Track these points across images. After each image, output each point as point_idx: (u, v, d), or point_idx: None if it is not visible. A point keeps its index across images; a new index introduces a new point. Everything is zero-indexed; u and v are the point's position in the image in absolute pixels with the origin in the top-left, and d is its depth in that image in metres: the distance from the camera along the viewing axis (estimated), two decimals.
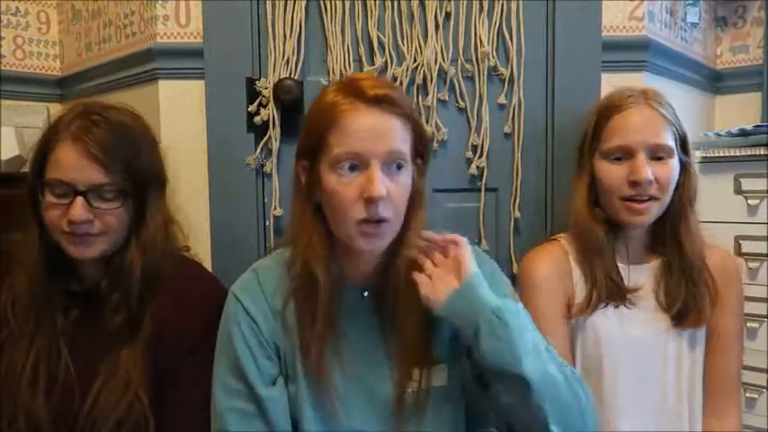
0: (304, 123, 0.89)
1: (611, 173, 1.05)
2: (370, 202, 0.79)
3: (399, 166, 0.83)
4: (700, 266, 1.07)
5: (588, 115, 1.12)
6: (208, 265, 1.19)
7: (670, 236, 1.08)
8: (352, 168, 0.81)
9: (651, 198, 1.03)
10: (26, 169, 0.99)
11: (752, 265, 1.33)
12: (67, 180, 0.90)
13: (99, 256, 0.94)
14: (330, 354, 0.87)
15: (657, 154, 1.03)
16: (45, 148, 0.93)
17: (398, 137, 0.82)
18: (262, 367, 0.86)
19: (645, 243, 1.12)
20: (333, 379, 0.87)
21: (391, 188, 0.81)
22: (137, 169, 0.95)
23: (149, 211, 0.98)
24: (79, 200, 0.90)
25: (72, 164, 0.90)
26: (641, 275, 1.10)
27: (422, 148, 0.89)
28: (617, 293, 1.07)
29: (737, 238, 1.34)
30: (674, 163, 1.05)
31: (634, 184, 1.02)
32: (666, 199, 1.05)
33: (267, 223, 1.26)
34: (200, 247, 1.19)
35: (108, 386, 0.92)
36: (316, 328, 0.85)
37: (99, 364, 0.94)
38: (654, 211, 1.04)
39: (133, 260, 0.94)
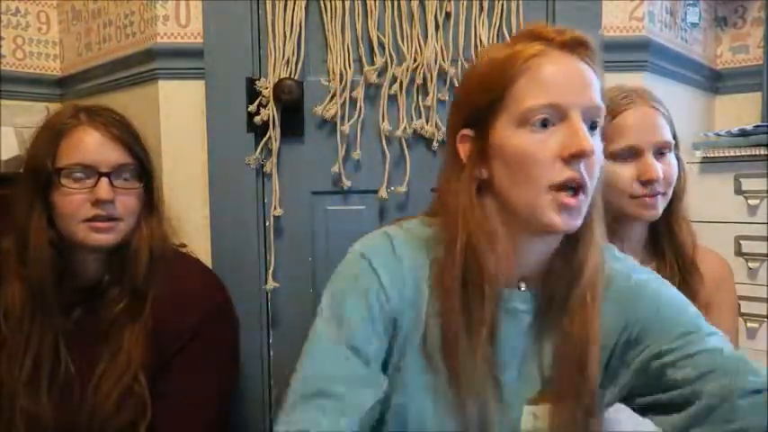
0: (468, 85, 0.77)
1: (620, 174, 1.05)
2: (576, 157, 0.66)
3: (594, 126, 0.70)
4: (692, 255, 1.08)
5: None
6: (207, 264, 1.18)
7: (664, 226, 1.09)
8: (544, 124, 0.68)
9: (658, 193, 1.04)
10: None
11: (752, 265, 1.33)
12: (90, 162, 0.92)
13: (116, 243, 0.95)
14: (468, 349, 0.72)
15: (661, 150, 1.05)
16: (56, 138, 0.93)
17: (596, 89, 0.70)
18: (377, 351, 0.72)
19: (641, 247, 1.12)
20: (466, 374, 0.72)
21: (595, 147, 0.68)
22: (146, 155, 0.98)
23: (155, 200, 1.00)
24: (104, 180, 0.92)
25: (93, 146, 0.92)
26: None
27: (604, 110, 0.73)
28: None
29: (737, 238, 1.34)
30: (674, 157, 1.06)
31: (646, 182, 1.03)
32: (670, 192, 1.06)
33: (267, 223, 1.26)
34: (201, 247, 1.20)
35: (110, 367, 0.93)
36: (471, 327, 0.71)
37: (101, 353, 0.95)
38: (662, 205, 1.05)
39: (140, 248, 0.96)
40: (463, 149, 0.74)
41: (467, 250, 0.71)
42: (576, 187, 0.68)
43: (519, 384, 0.76)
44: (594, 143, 0.68)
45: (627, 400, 0.78)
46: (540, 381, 0.76)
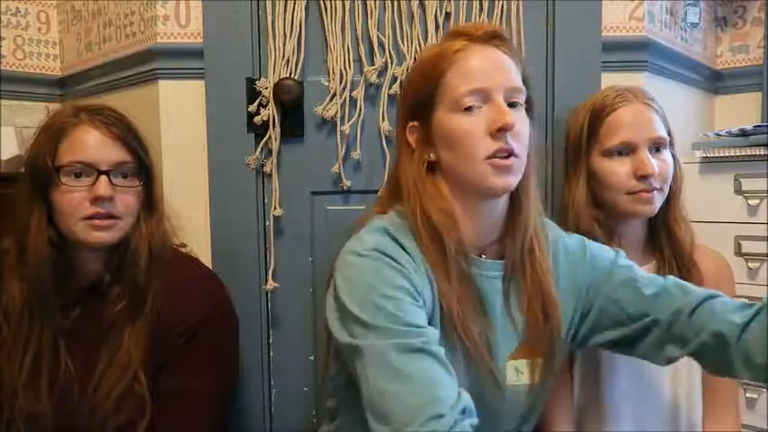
0: (409, 83, 0.91)
1: (616, 169, 1.05)
2: (501, 130, 0.79)
3: (514, 104, 0.83)
4: (690, 252, 1.09)
5: (575, 119, 1.12)
6: (207, 264, 1.18)
7: (662, 224, 1.09)
8: (473, 108, 0.81)
9: (654, 189, 1.04)
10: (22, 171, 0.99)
11: (752, 265, 1.33)
12: (89, 161, 0.92)
13: (115, 242, 0.95)
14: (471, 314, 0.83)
15: (656, 146, 1.05)
16: (56, 137, 0.93)
17: (515, 73, 0.84)
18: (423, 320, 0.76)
19: (640, 246, 1.12)
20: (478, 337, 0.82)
21: (516, 120, 0.81)
22: (146, 154, 0.99)
23: (155, 199, 1.00)
24: (103, 177, 0.92)
25: (94, 145, 0.93)
26: None
27: (530, 94, 0.87)
28: None
29: (737, 238, 1.34)
30: (669, 154, 1.06)
31: (642, 178, 1.03)
32: (666, 189, 1.06)
33: (267, 223, 1.26)
34: (201, 247, 1.20)
35: (110, 367, 0.93)
36: (453, 286, 0.81)
37: (101, 352, 0.95)
38: (658, 200, 1.05)
39: (140, 247, 0.96)
40: (412, 139, 0.88)
41: (428, 221, 0.82)
42: (506, 155, 0.80)
43: (500, 342, 0.86)
44: (519, 117, 0.82)
45: (600, 343, 0.92)
46: (516, 336, 0.87)
